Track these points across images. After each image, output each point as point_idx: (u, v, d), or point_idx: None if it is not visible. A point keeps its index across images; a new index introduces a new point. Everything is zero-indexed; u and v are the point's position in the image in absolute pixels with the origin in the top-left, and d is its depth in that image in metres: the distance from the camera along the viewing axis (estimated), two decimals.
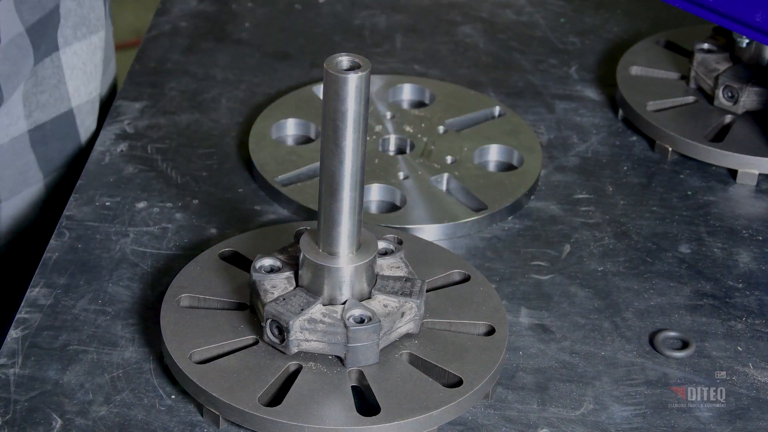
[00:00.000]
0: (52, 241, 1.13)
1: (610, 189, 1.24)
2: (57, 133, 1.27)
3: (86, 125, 1.28)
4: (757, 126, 1.28)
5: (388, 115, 1.31)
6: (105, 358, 1.02)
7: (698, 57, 1.33)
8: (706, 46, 1.34)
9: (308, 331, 0.97)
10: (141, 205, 1.18)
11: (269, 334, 0.98)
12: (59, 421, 0.96)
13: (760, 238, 1.19)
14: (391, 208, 1.20)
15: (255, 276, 1.01)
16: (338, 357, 0.98)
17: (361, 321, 0.97)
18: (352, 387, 0.98)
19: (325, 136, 0.94)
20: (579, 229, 1.19)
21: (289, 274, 1.01)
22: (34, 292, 1.07)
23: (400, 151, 1.27)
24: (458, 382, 0.98)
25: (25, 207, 1.27)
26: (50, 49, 1.25)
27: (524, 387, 1.01)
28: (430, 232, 1.16)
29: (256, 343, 1.00)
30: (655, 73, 1.37)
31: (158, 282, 1.09)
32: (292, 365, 0.99)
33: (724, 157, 1.26)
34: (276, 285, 1.00)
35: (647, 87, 1.35)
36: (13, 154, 1.23)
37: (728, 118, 1.30)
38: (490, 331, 1.03)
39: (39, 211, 1.28)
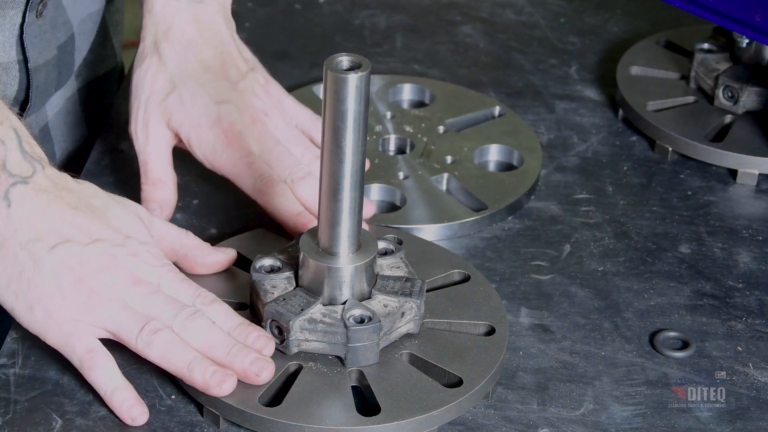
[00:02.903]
0: None
1: (610, 189, 1.24)
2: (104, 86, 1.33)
3: None
4: (757, 126, 1.28)
5: (388, 115, 1.31)
6: None
7: (698, 57, 1.33)
8: (706, 46, 1.34)
9: (308, 331, 0.97)
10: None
11: (269, 334, 0.98)
12: (59, 421, 0.96)
13: (760, 238, 1.18)
14: (391, 208, 1.20)
15: (255, 276, 1.01)
16: (338, 357, 0.98)
17: (361, 321, 0.97)
18: (352, 387, 0.97)
19: (325, 136, 0.94)
20: (579, 229, 1.18)
21: (289, 274, 1.01)
22: None
23: (400, 151, 1.27)
24: (458, 382, 0.98)
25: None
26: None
27: (524, 387, 1.01)
28: (430, 232, 1.16)
29: None
30: (655, 73, 1.37)
31: None
32: (292, 365, 0.99)
33: (724, 157, 1.26)
34: (276, 285, 1.00)
35: (647, 87, 1.35)
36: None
37: (728, 118, 1.30)
38: (490, 331, 1.03)
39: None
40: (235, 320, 0.98)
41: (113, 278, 0.97)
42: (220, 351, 0.96)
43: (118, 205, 1.02)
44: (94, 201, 1.01)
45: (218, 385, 0.94)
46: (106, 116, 1.31)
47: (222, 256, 1.06)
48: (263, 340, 0.97)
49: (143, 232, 1.01)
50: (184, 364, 0.95)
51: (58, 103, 1.25)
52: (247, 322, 0.98)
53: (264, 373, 0.95)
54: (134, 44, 1.22)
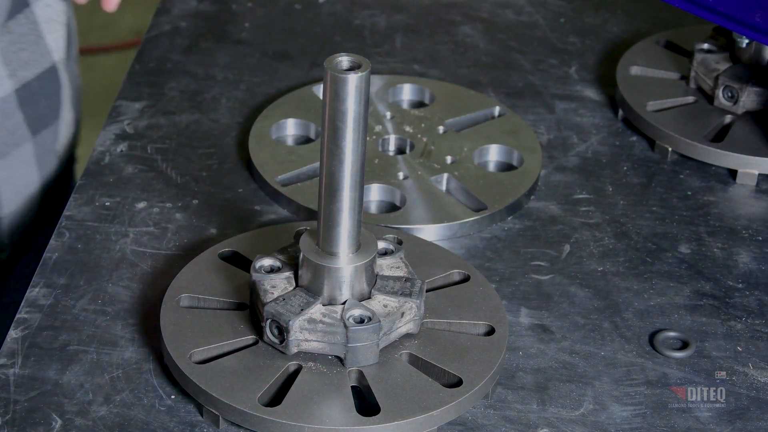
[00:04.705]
0: (52, 241, 1.13)
1: (610, 189, 1.24)
2: (44, 90, 1.27)
3: (72, 77, 1.29)
4: (757, 126, 1.28)
5: (388, 115, 1.31)
6: (105, 358, 1.02)
7: (698, 57, 1.33)
8: (706, 46, 1.34)
9: (308, 331, 0.97)
10: (141, 205, 1.18)
11: (269, 334, 0.98)
12: (59, 421, 0.96)
13: (760, 238, 1.19)
14: (391, 208, 1.20)
15: (255, 276, 1.01)
16: (338, 357, 0.98)
17: (361, 321, 0.97)
18: (352, 387, 0.98)
19: (325, 136, 0.94)
20: (579, 229, 1.19)
21: (288, 274, 1.01)
22: (34, 292, 1.07)
23: (400, 151, 1.27)
24: (458, 382, 0.98)
25: (16, 167, 1.26)
26: (21, 4, 1.26)
27: (524, 387, 1.01)
28: (430, 232, 1.16)
29: (256, 343, 1.00)
30: (655, 73, 1.37)
31: (158, 282, 1.09)
32: (291, 365, 0.99)
33: (724, 157, 1.26)
34: (276, 285, 1.00)
35: (647, 87, 1.35)
36: (1, 115, 1.23)
37: (728, 118, 1.30)
38: (490, 331, 1.03)
39: (31, 169, 1.27)
40: None
41: None
42: None
43: None
44: None
45: None
46: (48, 118, 1.30)
47: None
48: None
49: None
50: None
51: None
52: None
53: None
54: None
